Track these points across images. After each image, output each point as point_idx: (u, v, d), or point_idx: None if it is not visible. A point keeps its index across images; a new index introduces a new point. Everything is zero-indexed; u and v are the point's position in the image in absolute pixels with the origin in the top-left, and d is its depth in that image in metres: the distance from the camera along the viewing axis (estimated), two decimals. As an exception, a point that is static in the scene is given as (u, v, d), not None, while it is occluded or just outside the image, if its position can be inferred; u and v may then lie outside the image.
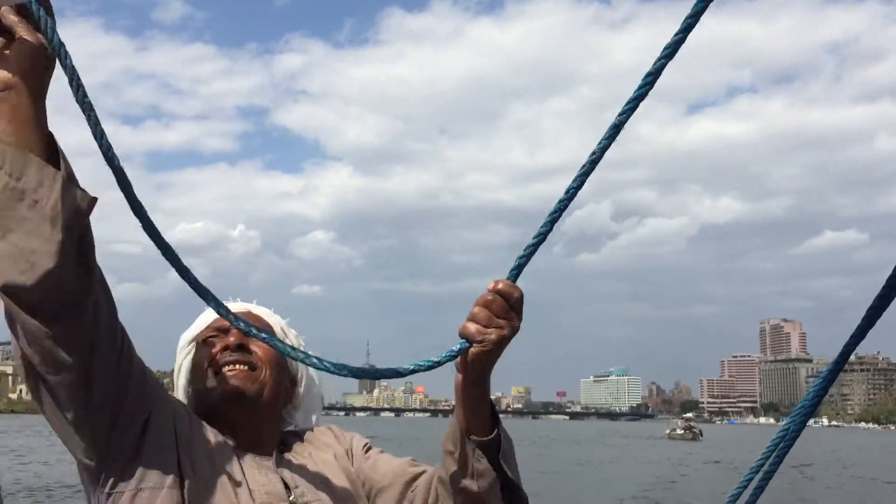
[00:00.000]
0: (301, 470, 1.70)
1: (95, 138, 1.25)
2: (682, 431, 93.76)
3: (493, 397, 1.55)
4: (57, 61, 1.23)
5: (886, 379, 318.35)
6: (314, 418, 1.90)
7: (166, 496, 1.48)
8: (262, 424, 1.73)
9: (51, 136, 1.27)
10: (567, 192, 1.34)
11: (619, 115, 1.28)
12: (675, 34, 1.21)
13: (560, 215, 1.36)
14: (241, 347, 1.72)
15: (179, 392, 1.79)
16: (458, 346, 1.43)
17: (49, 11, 1.22)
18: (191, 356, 1.79)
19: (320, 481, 1.69)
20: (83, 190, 1.26)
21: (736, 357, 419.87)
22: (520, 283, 1.43)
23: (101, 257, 1.33)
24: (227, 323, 1.74)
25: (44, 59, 1.23)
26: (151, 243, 1.35)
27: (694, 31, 1.21)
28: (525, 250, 1.40)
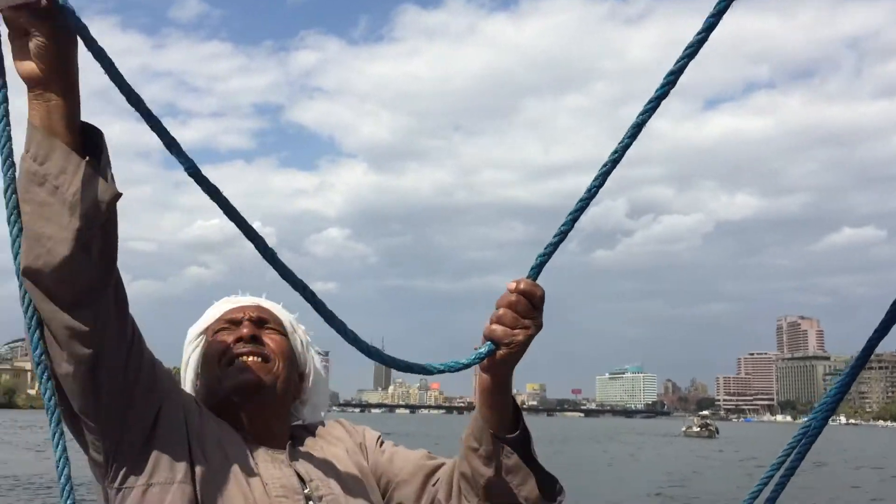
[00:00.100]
0: (314, 463, 1.70)
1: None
2: (699, 429, 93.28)
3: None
4: (79, 40, 1.19)
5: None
6: (322, 414, 1.90)
7: (178, 491, 1.48)
8: (274, 417, 1.72)
9: (88, 126, 1.29)
10: (588, 190, 1.35)
11: (641, 114, 1.28)
12: (698, 33, 1.21)
13: (581, 214, 1.36)
14: (255, 339, 1.72)
15: (187, 386, 1.78)
16: (486, 349, 1.43)
17: None
18: (200, 349, 1.78)
19: (334, 475, 1.69)
20: (110, 182, 1.26)
21: (752, 354, 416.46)
22: (537, 282, 1.43)
23: (118, 254, 1.33)
24: (238, 315, 1.76)
25: (64, 44, 1.20)
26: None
27: (712, 26, 1.20)
28: (545, 249, 1.40)
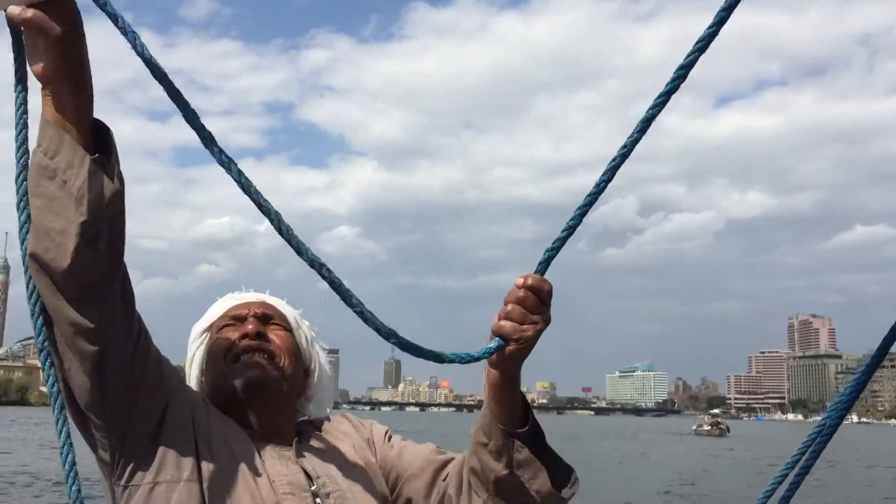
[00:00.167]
0: (321, 459, 1.69)
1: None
2: (709, 427, 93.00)
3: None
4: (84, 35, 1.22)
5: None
6: (328, 411, 1.88)
7: (184, 489, 1.47)
8: (280, 414, 1.71)
9: (99, 123, 1.30)
10: (597, 185, 1.34)
11: (651, 108, 1.27)
12: (708, 27, 1.20)
13: (589, 208, 1.36)
14: (260, 335, 1.71)
15: (192, 383, 1.77)
16: (495, 344, 1.43)
17: None
18: (205, 345, 1.77)
19: (341, 471, 1.69)
20: (114, 179, 1.27)
21: (764, 353, 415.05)
22: (545, 277, 1.43)
23: (127, 251, 1.35)
24: (243, 311, 1.76)
25: (76, 42, 1.20)
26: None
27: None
28: (554, 243, 1.39)
